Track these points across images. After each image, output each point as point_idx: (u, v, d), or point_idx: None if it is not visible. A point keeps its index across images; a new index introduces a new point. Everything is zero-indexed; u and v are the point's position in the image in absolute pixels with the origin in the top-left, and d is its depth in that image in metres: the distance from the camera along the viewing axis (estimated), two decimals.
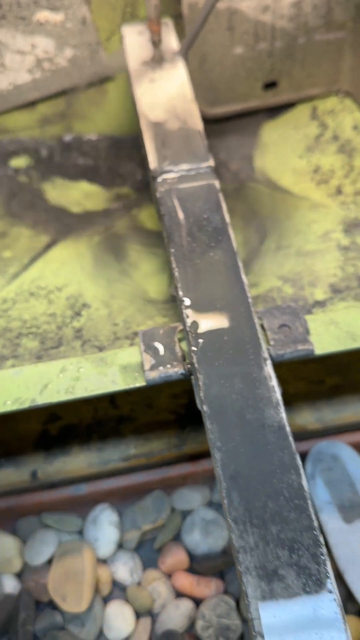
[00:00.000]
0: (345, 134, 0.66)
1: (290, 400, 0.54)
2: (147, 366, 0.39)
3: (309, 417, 0.53)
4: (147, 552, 0.51)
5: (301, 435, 0.52)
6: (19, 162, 0.63)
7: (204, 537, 0.49)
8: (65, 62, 0.62)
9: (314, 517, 0.31)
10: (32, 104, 0.66)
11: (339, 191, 0.61)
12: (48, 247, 0.57)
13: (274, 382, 0.36)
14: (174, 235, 0.42)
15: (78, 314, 0.52)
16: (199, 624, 0.46)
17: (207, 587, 0.47)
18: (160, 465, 0.53)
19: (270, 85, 0.68)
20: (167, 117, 0.47)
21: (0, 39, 0.59)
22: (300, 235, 0.57)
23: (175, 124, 0.47)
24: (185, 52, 0.52)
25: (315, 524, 0.31)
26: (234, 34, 0.62)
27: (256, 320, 0.38)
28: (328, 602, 0.28)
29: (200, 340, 0.37)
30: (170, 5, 0.64)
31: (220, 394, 0.35)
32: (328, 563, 0.30)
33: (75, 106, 0.67)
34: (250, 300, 0.39)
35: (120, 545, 0.50)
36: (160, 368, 0.39)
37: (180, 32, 0.61)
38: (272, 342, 0.39)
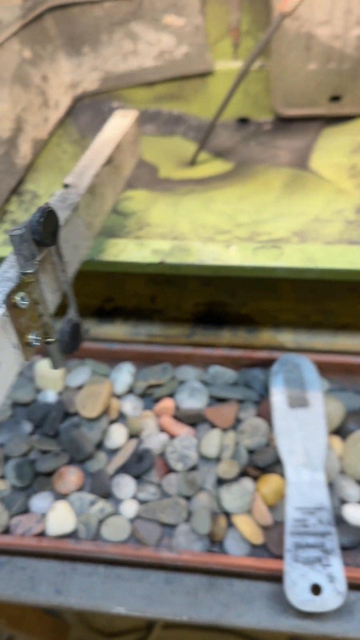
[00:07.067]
0: None
1: (280, 325, 0.72)
2: None
3: (289, 338, 0.70)
4: (148, 401, 0.70)
5: (280, 348, 0.70)
6: None
7: (188, 398, 0.68)
8: (181, 56, 0.84)
9: None
10: (152, 84, 0.88)
11: None
12: None
13: None
14: None
15: None
16: (168, 449, 0.65)
17: (181, 429, 0.66)
18: (172, 344, 0.72)
19: (336, 98, 0.85)
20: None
21: (138, 31, 0.82)
22: (318, 208, 0.74)
23: None
24: (251, 62, 0.71)
25: None
26: (309, 53, 0.80)
27: None
28: None
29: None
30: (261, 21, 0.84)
31: None
32: None
33: (183, 90, 0.88)
34: None
35: (131, 391, 0.70)
36: None
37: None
38: None
